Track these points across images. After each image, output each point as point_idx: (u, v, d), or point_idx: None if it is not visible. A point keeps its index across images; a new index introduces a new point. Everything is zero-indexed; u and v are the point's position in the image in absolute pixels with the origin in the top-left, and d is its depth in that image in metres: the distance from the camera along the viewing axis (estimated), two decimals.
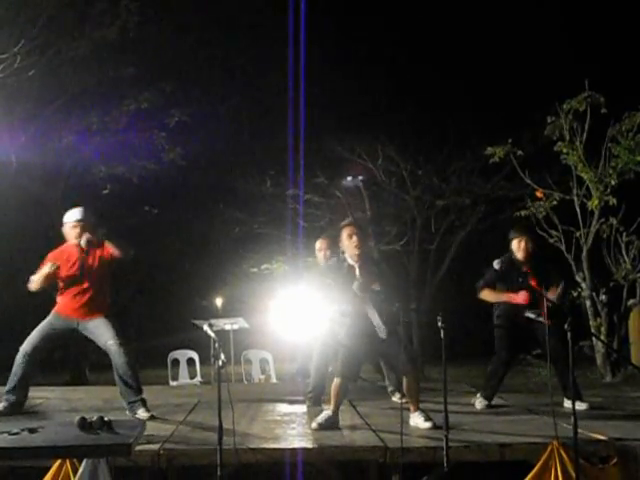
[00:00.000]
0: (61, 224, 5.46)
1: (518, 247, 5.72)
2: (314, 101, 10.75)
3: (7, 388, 5.32)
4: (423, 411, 4.98)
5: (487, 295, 5.75)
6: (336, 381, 5.05)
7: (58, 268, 5.29)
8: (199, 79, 11.78)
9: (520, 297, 5.59)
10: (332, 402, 5.05)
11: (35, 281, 5.33)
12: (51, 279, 5.34)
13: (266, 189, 12.75)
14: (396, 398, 5.89)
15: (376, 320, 4.91)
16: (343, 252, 5.09)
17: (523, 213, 9.80)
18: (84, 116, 10.84)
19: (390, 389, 6.12)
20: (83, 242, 5.33)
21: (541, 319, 5.45)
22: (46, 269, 5.28)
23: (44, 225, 10.85)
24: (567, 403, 5.49)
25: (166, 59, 11.09)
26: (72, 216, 5.41)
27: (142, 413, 5.20)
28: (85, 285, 5.33)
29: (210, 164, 13.11)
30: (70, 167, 11.70)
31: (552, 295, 5.52)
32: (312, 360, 6.00)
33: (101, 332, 5.30)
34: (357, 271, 4.94)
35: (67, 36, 9.47)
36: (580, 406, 5.20)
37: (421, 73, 12.29)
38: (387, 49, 12.62)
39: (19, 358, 5.30)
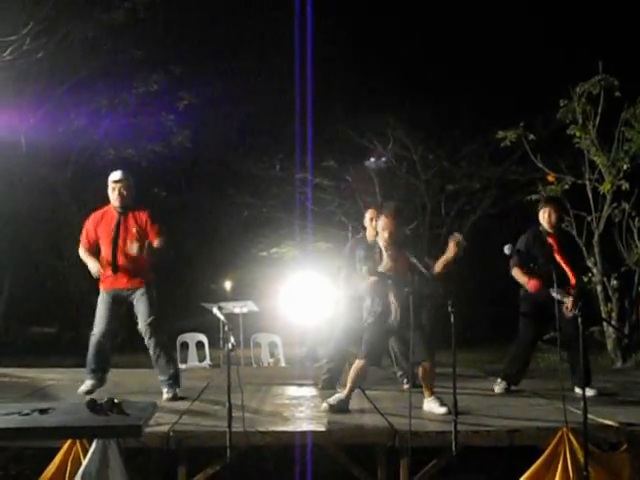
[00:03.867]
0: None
1: (542, 217, 5.70)
2: (324, 85, 10.69)
3: (88, 369, 5.39)
4: (438, 397, 4.98)
5: (516, 273, 5.66)
6: (358, 363, 5.03)
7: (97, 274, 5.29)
8: (208, 62, 11.73)
9: (531, 284, 5.55)
10: (348, 385, 5.03)
11: (83, 258, 5.34)
12: (93, 247, 5.35)
13: (275, 173, 12.72)
14: (405, 385, 5.85)
15: (394, 304, 4.92)
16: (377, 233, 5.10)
17: (534, 197, 9.71)
18: (93, 99, 10.83)
19: (399, 374, 6.07)
20: (117, 204, 5.32)
21: (565, 301, 5.39)
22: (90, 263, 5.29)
23: (53, 207, 10.88)
24: (578, 389, 5.48)
25: (175, 42, 11.05)
26: (110, 177, 5.42)
27: (165, 394, 5.27)
28: (125, 249, 5.28)
29: (219, 147, 13.09)
30: (79, 150, 11.71)
31: (572, 280, 5.49)
32: (331, 343, 5.97)
33: (140, 309, 5.31)
34: (384, 254, 4.96)
35: (76, 18, 9.43)
36: (589, 392, 5.17)
37: (433, 57, 12.18)
38: (399, 33, 12.51)
39: (92, 344, 5.35)
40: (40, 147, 10.65)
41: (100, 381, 5.37)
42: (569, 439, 4.15)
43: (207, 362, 8.95)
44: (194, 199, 14.25)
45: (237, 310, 7.79)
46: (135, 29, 10.22)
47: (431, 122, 11.39)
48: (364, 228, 5.93)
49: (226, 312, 5.30)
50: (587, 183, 9.59)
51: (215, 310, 4.14)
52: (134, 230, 5.30)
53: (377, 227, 5.05)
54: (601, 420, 4.49)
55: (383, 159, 11.16)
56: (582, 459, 4.02)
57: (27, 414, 3.27)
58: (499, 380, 5.82)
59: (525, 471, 4.15)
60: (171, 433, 4.21)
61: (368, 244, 5.26)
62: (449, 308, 4.19)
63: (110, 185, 5.39)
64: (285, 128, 11.77)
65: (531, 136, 9.83)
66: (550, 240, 5.63)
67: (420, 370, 5.03)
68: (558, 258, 5.54)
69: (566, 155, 9.92)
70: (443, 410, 4.85)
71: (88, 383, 5.33)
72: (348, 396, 5.02)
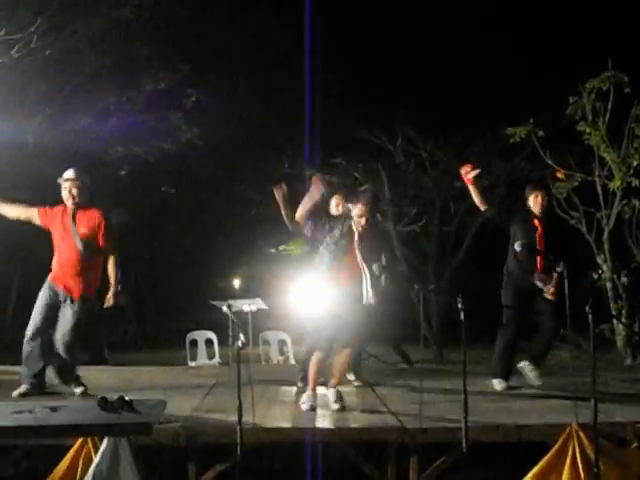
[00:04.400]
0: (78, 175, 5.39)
1: (535, 202, 5.68)
2: (332, 81, 10.68)
3: (25, 372, 5.29)
4: (338, 390, 4.93)
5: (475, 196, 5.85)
6: (317, 355, 4.96)
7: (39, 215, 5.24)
8: (216, 59, 11.72)
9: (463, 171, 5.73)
10: (311, 379, 4.96)
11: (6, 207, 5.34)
12: (28, 220, 5.32)
13: (283, 170, 12.70)
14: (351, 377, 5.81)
15: (365, 286, 4.89)
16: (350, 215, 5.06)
17: None
18: (101, 97, 10.83)
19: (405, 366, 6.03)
20: (69, 203, 5.22)
21: (545, 289, 5.44)
22: (30, 211, 5.28)
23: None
24: (523, 364, 5.64)
25: (183, 39, 11.04)
26: (64, 175, 5.32)
27: (77, 390, 5.21)
28: (72, 253, 5.19)
29: (227, 145, 13.08)
30: (87, 148, 11.72)
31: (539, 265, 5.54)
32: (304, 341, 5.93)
33: (63, 322, 5.18)
34: (356, 237, 4.95)
35: (83, 15, 9.44)
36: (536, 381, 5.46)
37: (441, 53, 12.14)
38: (407, 28, 12.47)
39: (25, 344, 5.25)
40: (47, 145, 10.67)
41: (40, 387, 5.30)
42: (578, 435, 4.14)
43: (216, 360, 8.98)
44: (202, 197, 14.27)
45: (246, 308, 7.80)
46: (143, 26, 10.22)
47: (440, 118, 11.34)
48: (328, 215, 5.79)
49: (235, 310, 5.31)
50: (597, 180, 9.55)
51: (225, 308, 4.14)
52: (85, 233, 5.20)
53: (357, 214, 4.97)
54: (611, 417, 4.48)
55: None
56: (592, 454, 4.01)
57: (38, 412, 3.29)
58: (495, 381, 5.74)
59: (534, 467, 4.14)
60: (181, 430, 4.22)
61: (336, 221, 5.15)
62: (459, 305, 4.18)
63: (61, 183, 5.30)
64: (294, 125, 11.76)
65: (540, 133, 9.79)
66: (537, 222, 5.64)
67: (337, 356, 4.97)
68: (539, 242, 5.56)
69: (576, 152, 9.86)
70: (336, 406, 4.80)
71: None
72: (314, 390, 4.95)
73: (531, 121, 9.68)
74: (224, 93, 11.77)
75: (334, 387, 4.96)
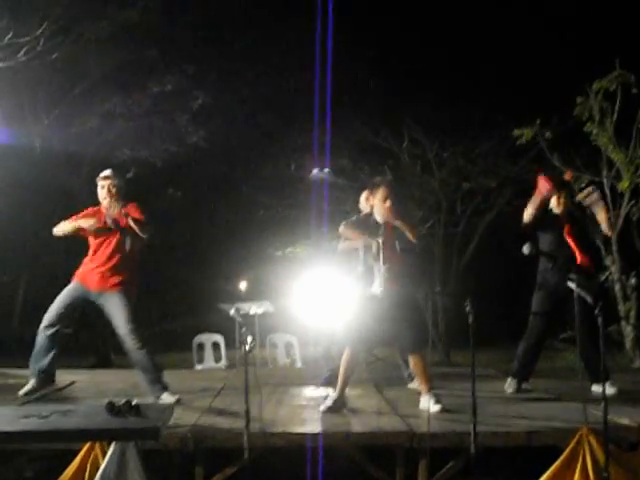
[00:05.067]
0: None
1: (558, 203, 5.69)
2: (339, 83, 10.63)
3: (34, 365, 5.27)
4: (435, 393, 4.95)
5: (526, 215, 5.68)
6: (347, 353, 4.98)
7: (94, 226, 5.23)
8: (222, 61, 11.72)
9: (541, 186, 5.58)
10: (340, 379, 5.00)
11: (61, 228, 5.31)
12: (77, 233, 5.31)
13: (290, 172, 12.70)
14: (413, 385, 5.79)
15: (378, 278, 4.89)
16: (372, 207, 5.09)
17: None
18: (107, 99, 10.85)
19: (406, 374, 6.03)
20: (105, 202, 5.28)
21: (583, 294, 5.36)
22: (82, 222, 5.26)
23: (67, 208, 10.91)
24: (595, 387, 5.42)
25: (189, 41, 11.04)
26: (101, 174, 5.38)
27: (166, 397, 5.19)
28: (108, 251, 5.24)
29: (234, 147, 13.08)
30: (93, 151, 11.74)
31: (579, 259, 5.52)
32: (335, 344, 5.95)
33: (115, 313, 5.20)
34: (382, 231, 4.95)
35: (90, 18, 9.45)
36: (609, 390, 5.11)
37: (447, 54, 12.10)
38: (413, 31, 12.44)
39: (40, 331, 5.26)
40: (54, 148, 10.69)
41: (49, 380, 5.32)
42: (589, 439, 4.11)
43: (223, 363, 8.96)
44: (209, 199, 14.27)
45: (253, 311, 7.80)
46: (149, 29, 10.23)
47: (446, 120, 11.31)
48: (359, 211, 5.83)
49: (242, 312, 5.30)
50: (604, 181, 9.50)
51: (232, 312, 4.13)
52: (122, 234, 5.25)
53: (376, 200, 4.98)
54: (621, 420, 4.44)
55: (326, 170, 11.12)
56: (602, 459, 3.98)
57: (46, 416, 3.28)
58: (509, 379, 5.78)
59: (544, 472, 4.11)
60: (189, 434, 4.21)
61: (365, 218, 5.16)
62: (467, 308, 4.15)
63: (98, 182, 5.36)
64: (301, 127, 11.75)
65: (547, 134, 9.76)
66: (561, 222, 5.63)
67: (410, 364, 5.01)
68: (569, 240, 5.56)
69: (583, 153, 9.83)
70: (437, 408, 4.81)
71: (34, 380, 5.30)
72: (341, 392, 4.99)
73: (538, 122, 9.64)
74: (230, 95, 11.77)
75: (428, 392, 4.95)
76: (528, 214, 5.58)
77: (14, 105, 9.31)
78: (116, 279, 5.23)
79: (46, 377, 5.29)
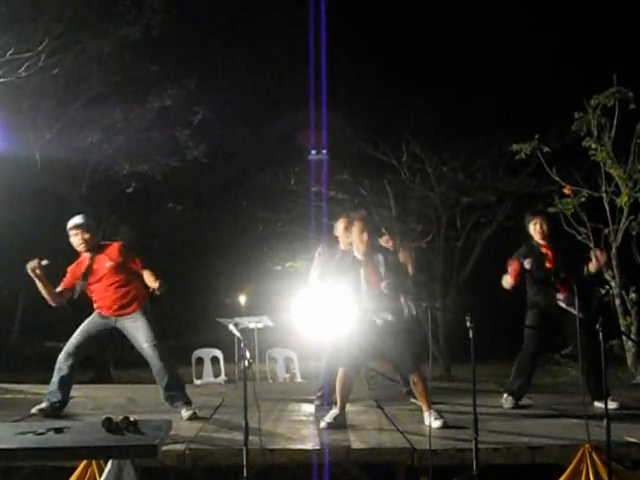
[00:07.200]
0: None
1: (533, 230, 5.72)
2: (338, 98, 10.68)
3: (50, 389, 5.30)
4: (435, 409, 4.96)
5: (504, 281, 5.68)
6: (340, 372, 5.04)
7: (84, 286, 5.32)
8: (222, 76, 11.77)
9: (505, 279, 5.57)
10: (338, 397, 5.04)
11: (59, 299, 5.37)
12: (68, 293, 5.38)
13: (290, 186, 12.70)
14: (415, 400, 5.77)
15: (377, 311, 4.94)
16: (350, 244, 5.23)
17: (551, 210, 9.63)
18: (108, 114, 10.87)
19: (405, 390, 6.01)
20: (81, 248, 5.34)
21: (572, 309, 5.38)
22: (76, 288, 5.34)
23: (67, 223, 10.90)
24: (597, 403, 5.38)
25: (189, 56, 11.09)
26: (69, 223, 5.39)
27: (184, 412, 5.18)
28: (107, 284, 5.30)
29: (233, 161, 13.11)
30: (94, 165, 11.76)
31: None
32: (322, 360, 5.93)
33: (135, 334, 5.26)
34: (363, 265, 5.00)
35: (91, 34, 9.50)
36: (611, 405, 5.07)
37: (446, 69, 12.16)
38: (412, 45, 12.51)
39: (61, 358, 5.29)
40: (55, 162, 10.70)
41: (62, 405, 5.33)
42: (591, 456, 4.06)
43: (222, 377, 8.91)
44: (208, 213, 14.27)
45: (252, 325, 7.76)
46: (150, 45, 10.28)
47: (445, 134, 11.34)
48: (336, 238, 5.87)
49: (241, 327, 5.27)
50: (604, 196, 9.49)
51: (231, 327, 4.10)
52: (109, 265, 5.28)
53: (353, 236, 5.08)
54: (623, 437, 4.40)
55: (324, 151, 11.10)
56: (605, 477, 3.94)
57: (42, 433, 3.24)
58: (505, 395, 5.77)
59: None
60: (187, 451, 4.17)
61: (343, 256, 5.30)
62: (467, 324, 4.12)
63: (69, 232, 5.38)
64: (300, 141, 11.79)
65: (546, 148, 9.77)
66: (544, 250, 5.64)
67: (411, 383, 5.05)
68: (549, 265, 5.58)
69: (582, 167, 9.83)
70: (438, 423, 4.80)
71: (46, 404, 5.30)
72: (342, 409, 5.02)
73: (536, 137, 9.66)
74: (230, 110, 11.81)
75: (428, 409, 4.94)
76: (508, 283, 5.58)
77: (16, 119, 9.33)
78: (128, 299, 5.30)
79: (60, 407, 5.32)
